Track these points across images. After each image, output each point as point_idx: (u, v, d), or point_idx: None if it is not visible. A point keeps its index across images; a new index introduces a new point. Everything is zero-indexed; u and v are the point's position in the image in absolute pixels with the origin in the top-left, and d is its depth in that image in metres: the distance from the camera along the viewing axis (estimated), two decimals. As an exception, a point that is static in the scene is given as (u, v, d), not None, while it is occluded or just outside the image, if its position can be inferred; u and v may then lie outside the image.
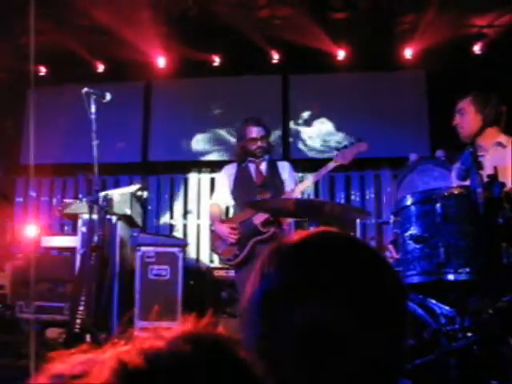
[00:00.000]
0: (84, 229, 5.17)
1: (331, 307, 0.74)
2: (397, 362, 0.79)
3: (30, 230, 6.51)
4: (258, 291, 0.80)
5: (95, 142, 4.00)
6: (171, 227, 7.46)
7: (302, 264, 0.79)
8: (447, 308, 2.43)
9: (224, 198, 4.33)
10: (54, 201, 7.74)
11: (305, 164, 6.15)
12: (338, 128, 7.20)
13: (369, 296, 0.76)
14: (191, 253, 7.12)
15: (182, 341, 0.55)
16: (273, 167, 4.25)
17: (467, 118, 3.27)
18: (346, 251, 0.81)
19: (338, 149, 3.80)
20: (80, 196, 7.27)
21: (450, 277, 2.31)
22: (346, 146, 3.73)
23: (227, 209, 4.55)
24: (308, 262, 0.79)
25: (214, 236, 4.17)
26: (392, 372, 0.77)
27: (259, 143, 4.14)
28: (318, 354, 0.73)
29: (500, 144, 3.21)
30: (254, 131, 4.15)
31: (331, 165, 3.74)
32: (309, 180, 3.99)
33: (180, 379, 0.52)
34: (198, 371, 0.52)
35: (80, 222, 5.33)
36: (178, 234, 7.30)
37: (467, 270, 2.28)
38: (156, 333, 0.56)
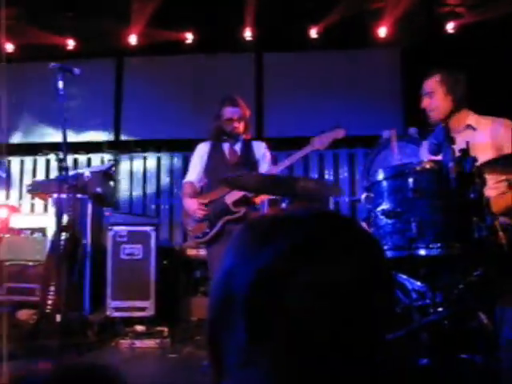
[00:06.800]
0: (54, 208, 5.09)
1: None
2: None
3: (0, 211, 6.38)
4: (251, 270, 0.72)
5: (64, 119, 3.91)
6: (144, 206, 7.40)
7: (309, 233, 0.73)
8: (418, 283, 2.43)
9: (197, 176, 4.28)
10: (25, 180, 7.59)
11: (278, 143, 6.10)
12: (312, 106, 7.16)
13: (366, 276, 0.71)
14: (164, 232, 7.07)
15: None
16: (247, 147, 4.22)
17: (437, 99, 3.11)
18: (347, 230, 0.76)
19: (320, 132, 3.74)
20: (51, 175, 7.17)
21: (422, 252, 2.30)
22: (323, 131, 3.69)
23: (202, 188, 4.50)
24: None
25: (185, 213, 4.15)
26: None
27: (235, 124, 4.10)
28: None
29: (470, 126, 3.11)
30: (230, 112, 4.10)
31: (307, 149, 3.70)
32: (284, 163, 3.93)
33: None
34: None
35: (50, 202, 5.26)
36: (151, 213, 7.24)
37: (438, 245, 2.28)
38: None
